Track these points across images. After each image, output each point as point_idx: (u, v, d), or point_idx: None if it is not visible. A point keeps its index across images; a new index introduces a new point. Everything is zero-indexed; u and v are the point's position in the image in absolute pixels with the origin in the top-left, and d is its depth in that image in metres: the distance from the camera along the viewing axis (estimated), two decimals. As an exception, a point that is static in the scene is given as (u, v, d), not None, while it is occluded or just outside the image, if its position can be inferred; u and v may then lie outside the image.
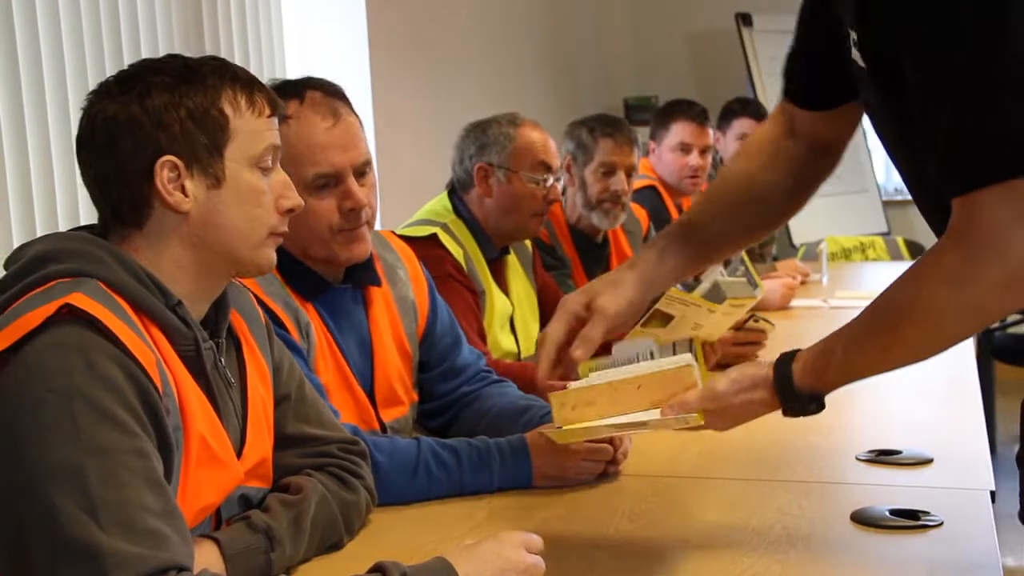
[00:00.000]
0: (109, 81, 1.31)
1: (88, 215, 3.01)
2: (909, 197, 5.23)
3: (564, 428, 1.42)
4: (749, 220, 1.62)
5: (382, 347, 1.83)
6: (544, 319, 2.61)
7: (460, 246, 2.40)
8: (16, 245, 1.38)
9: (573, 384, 1.45)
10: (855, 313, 3.37)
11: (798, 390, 1.34)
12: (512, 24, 5.29)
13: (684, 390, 1.38)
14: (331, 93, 1.74)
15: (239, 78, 1.33)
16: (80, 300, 1.18)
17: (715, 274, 2.26)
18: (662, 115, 3.69)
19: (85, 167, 1.32)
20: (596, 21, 6.33)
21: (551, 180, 2.51)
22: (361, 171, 1.74)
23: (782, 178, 1.57)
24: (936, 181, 1.20)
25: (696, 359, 1.51)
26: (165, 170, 1.27)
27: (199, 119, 1.28)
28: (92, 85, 2.92)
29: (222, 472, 1.33)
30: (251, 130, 1.32)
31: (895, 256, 5.18)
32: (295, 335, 1.67)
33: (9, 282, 1.26)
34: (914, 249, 5.15)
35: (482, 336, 2.35)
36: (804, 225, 5.65)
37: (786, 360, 1.36)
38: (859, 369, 1.33)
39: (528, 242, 2.67)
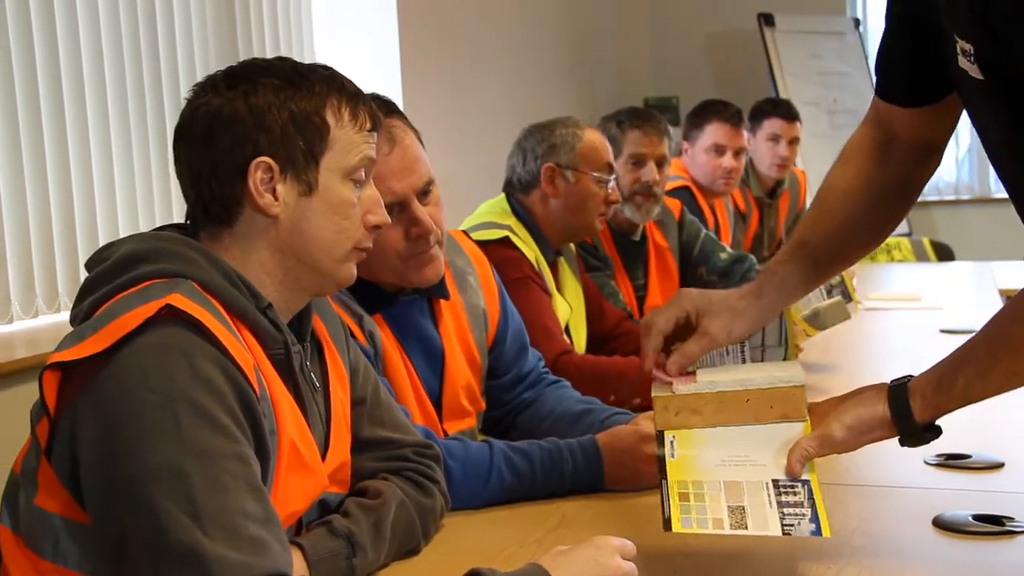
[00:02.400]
0: (216, 76, 1.30)
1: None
2: (930, 198, 5.26)
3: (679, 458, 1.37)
4: (863, 234, 1.58)
5: (453, 360, 1.81)
6: (588, 321, 2.61)
7: (529, 247, 2.40)
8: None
9: (679, 387, 1.43)
10: (889, 315, 3.35)
11: (919, 425, 1.34)
12: (534, 26, 5.29)
13: (792, 409, 1.37)
14: (386, 113, 1.67)
15: (345, 89, 1.32)
16: (179, 301, 1.16)
17: (815, 299, 2.26)
18: (696, 116, 3.66)
19: (180, 158, 1.31)
20: (616, 21, 6.32)
21: (612, 181, 2.52)
22: (424, 191, 1.70)
23: (891, 184, 1.53)
24: None
25: (787, 340, 1.50)
26: (259, 171, 1.26)
27: (300, 124, 1.27)
28: (130, 81, 2.96)
29: (309, 478, 1.32)
30: (350, 142, 1.31)
31: (921, 257, 5.16)
32: (361, 339, 1.65)
33: (98, 283, 1.24)
34: (940, 250, 5.13)
35: (566, 335, 2.36)
36: (827, 226, 5.64)
37: (900, 395, 1.35)
38: (980, 395, 1.32)
39: (572, 244, 2.66)
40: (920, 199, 5.96)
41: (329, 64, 1.37)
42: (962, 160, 6.49)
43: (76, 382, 1.15)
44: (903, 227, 6.07)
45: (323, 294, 1.41)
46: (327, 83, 1.30)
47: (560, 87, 5.56)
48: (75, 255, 2.78)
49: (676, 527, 1.30)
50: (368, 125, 1.33)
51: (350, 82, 1.34)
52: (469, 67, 4.53)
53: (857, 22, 6.29)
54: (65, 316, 2.73)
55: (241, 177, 1.26)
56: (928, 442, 1.37)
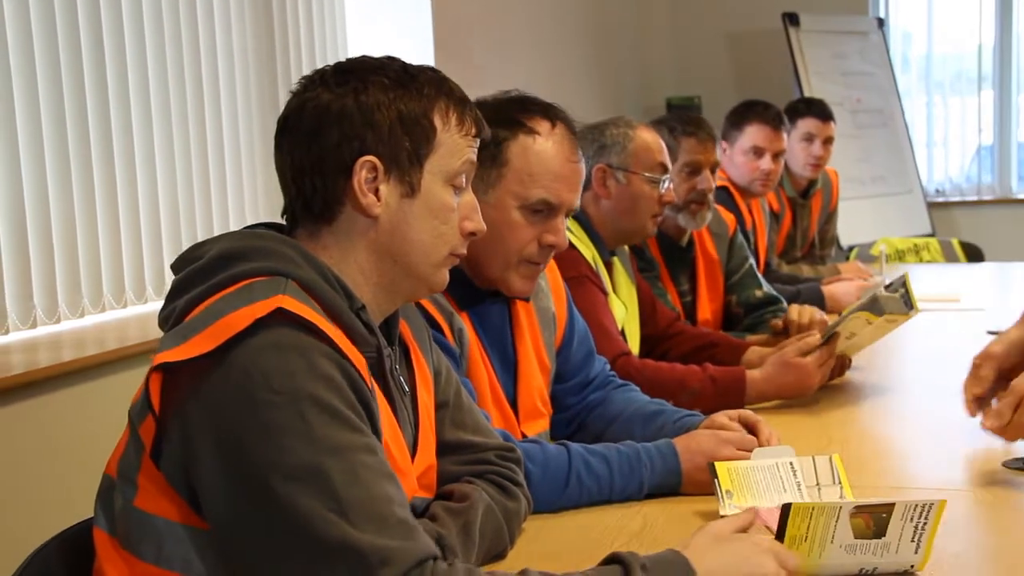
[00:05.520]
0: (325, 71, 1.29)
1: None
2: (952, 199, 5.29)
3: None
4: None
5: (527, 362, 1.81)
6: (641, 322, 2.58)
7: (586, 246, 2.38)
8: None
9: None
10: (932, 316, 3.31)
11: None
12: (559, 27, 5.29)
13: None
14: (573, 132, 1.74)
15: (453, 93, 1.31)
16: (288, 302, 1.15)
17: (877, 290, 2.25)
18: (736, 116, 3.60)
19: (283, 152, 1.29)
20: (638, 21, 6.31)
21: (667, 182, 2.48)
22: (570, 212, 1.73)
23: None
24: None
25: (840, 475, 1.54)
26: (364, 170, 1.24)
27: (408, 125, 1.26)
28: (171, 75, 2.95)
29: (401, 483, 1.29)
30: (454, 145, 1.29)
31: (950, 258, 5.12)
32: (449, 337, 1.64)
33: (192, 281, 1.22)
34: (969, 251, 5.10)
35: (622, 336, 2.33)
36: (852, 227, 5.63)
37: None
38: None
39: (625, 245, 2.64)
40: (942, 199, 5.95)
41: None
42: (984, 160, 6.47)
43: (183, 383, 1.13)
44: (924, 227, 6.05)
45: (415, 299, 1.40)
46: (436, 86, 1.29)
47: (584, 87, 5.55)
48: (119, 255, 2.76)
49: None
50: (473, 131, 1.32)
51: (457, 86, 1.33)
52: (498, 67, 4.53)
53: (880, 22, 6.27)
54: (112, 315, 2.73)
55: (345, 175, 1.25)
56: None
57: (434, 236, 1.30)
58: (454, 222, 1.31)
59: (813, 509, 1.24)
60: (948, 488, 1.66)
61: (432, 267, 1.31)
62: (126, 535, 1.18)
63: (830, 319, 2.73)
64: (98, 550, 1.22)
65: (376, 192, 1.26)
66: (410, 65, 1.31)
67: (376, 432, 1.18)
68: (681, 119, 2.94)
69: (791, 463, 1.58)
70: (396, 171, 1.26)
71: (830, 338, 2.20)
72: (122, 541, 1.19)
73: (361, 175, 1.24)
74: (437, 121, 1.28)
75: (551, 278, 1.93)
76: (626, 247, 2.61)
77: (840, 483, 1.56)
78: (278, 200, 3.41)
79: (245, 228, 1.33)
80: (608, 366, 2.00)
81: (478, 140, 1.34)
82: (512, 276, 1.70)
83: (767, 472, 1.57)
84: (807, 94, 5.53)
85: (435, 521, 1.36)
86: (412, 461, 1.36)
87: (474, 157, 1.33)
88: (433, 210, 1.29)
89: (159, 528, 1.16)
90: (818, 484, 1.56)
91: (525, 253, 1.69)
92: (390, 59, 1.31)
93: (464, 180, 1.32)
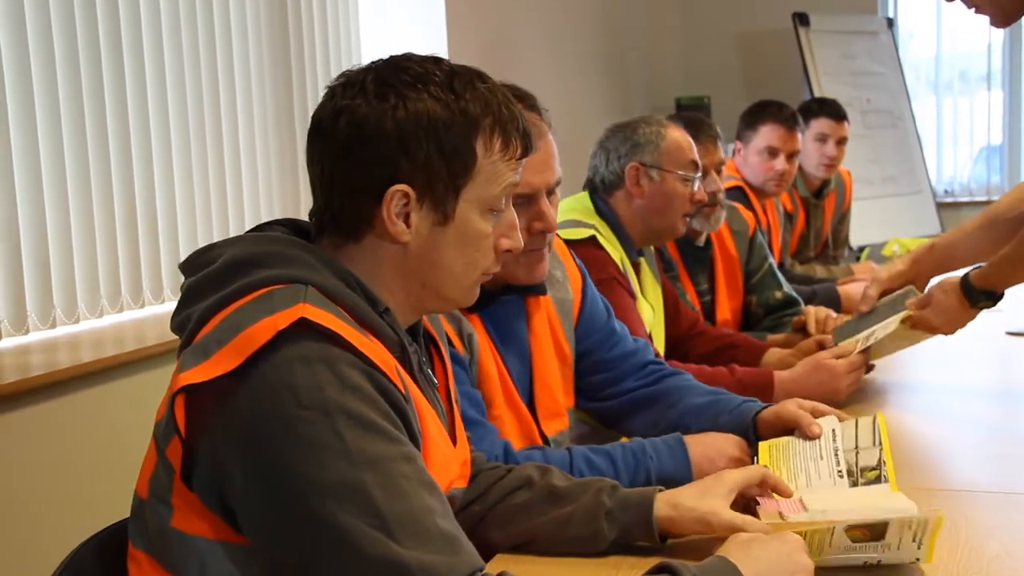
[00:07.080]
0: (366, 76, 1.21)
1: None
2: (961, 199, 5.31)
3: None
4: None
5: (541, 358, 1.80)
6: (665, 323, 2.58)
7: (614, 248, 2.37)
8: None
9: (791, 516, 1.40)
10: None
11: None
12: (570, 28, 5.30)
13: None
14: (532, 107, 1.65)
15: (501, 111, 1.23)
16: (310, 312, 1.10)
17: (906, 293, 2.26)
18: (750, 116, 3.58)
19: (314, 157, 1.23)
20: (648, 21, 6.30)
21: (698, 180, 2.47)
22: (552, 190, 1.68)
23: None
24: None
25: (882, 435, 1.56)
26: (395, 198, 1.19)
27: (448, 155, 1.19)
28: (187, 73, 2.95)
29: (446, 475, 1.29)
30: (495, 172, 1.23)
31: (962, 258, 5.10)
32: (458, 345, 1.63)
33: (206, 288, 1.17)
34: (981, 251, 5.08)
35: (650, 340, 2.32)
36: (862, 227, 5.62)
37: None
38: None
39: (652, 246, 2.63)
40: (951, 200, 5.93)
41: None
42: (993, 160, 6.47)
43: (207, 403, 1.09)
44: (933, 227, 6.04)
45: (441, 312, 1.38)
46: (483, 103, 1.22)
47: (594, 87, 5.54)
48: (136, 255, 2.76)
49: None
50: (519, 153, 1.25)
51: (507, 99, 1.25)
52: (510, 68, 4.53)
53: (890, 22, 6.26)
54: (129, 315, 2.72)
55: (376, 199, 1.19)
56: None
57: (465, 263, 1.25)
58: (488, 247, 1.26)
59: (805, 534, 1.28)
60: (980, 490, 1.65)
61: (462, 290, 1.28)
62: (166, 556, 1.16)
63: (844, 318, 2.73)
64: (137, 571, 1.20)
65: (407, 218, 1.20)
66: (457, 75, 1.22)
67: (413, 437, 1.15)
68: (681, 122, 2.87)
69: (833, 430, 1.60)
70: (430, 200, 1.20)
71: (866, 348, 2.20)
72: (162, 562, 1.16)
73: (391, 204, 1.19)
74: (479, 148, 1.21)
75: (568, 267, 1.92)
76: (651, 247, 2.61)
77: (880, 444, 1.55)
78: (293, 198, 3.42)
79: (256, 230, 1.27)
80: (651, 350, 1.98)
81: (524, 160, 1.27)
82: (515, 269, 1.68)
83: (805, 440, 1.60)
84: (817, 94, 5.51)
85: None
86: (455, 447, 1.35)
87: (517, 179, 1.27)
88: (466, 237, 1.23)
89: (200, 547, 1.13)
90: (857, 448, 1.57)
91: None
92: (436, 64, 1.23)
93: (504, 203, 1.26)
